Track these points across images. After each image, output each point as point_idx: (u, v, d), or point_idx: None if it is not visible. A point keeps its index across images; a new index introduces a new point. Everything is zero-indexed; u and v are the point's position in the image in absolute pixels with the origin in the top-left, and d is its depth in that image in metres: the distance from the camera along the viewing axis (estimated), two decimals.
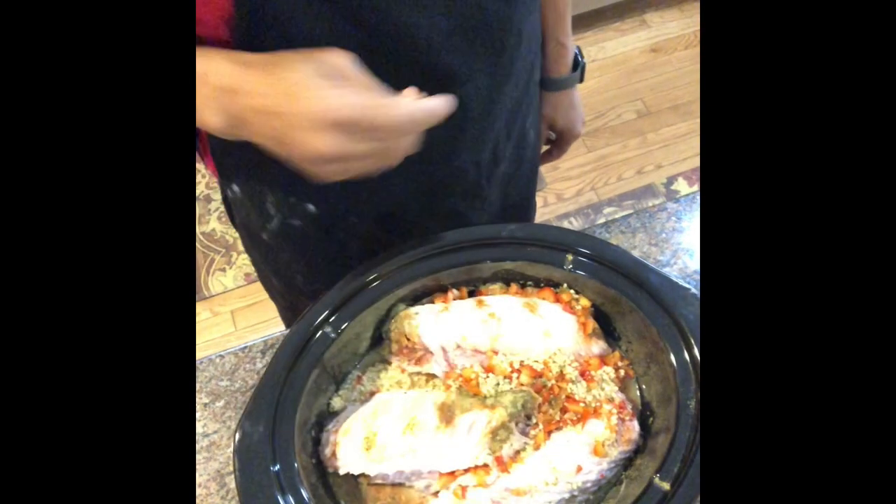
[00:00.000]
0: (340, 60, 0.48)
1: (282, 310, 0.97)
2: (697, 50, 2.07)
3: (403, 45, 0.56)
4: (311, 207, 0.71)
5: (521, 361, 0.59)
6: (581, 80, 0.87)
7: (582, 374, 0.59)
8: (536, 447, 0.55)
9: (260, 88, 0.48)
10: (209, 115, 0.49)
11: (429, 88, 0.50)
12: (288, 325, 0.95)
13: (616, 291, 0.61)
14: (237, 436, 0.54)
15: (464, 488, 0.54)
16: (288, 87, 0.47)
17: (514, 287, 0.65)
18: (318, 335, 0.59)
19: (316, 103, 0.46)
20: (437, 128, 0.50)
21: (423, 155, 0.55)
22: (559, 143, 0.93)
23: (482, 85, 0.64)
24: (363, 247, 0.76)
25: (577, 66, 0.85)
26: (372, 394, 0.62)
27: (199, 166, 1.90)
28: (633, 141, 1.92)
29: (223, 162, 0.69)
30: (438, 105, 0.48)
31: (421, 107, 0.48)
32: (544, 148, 0.95)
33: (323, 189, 0.58)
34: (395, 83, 0.50)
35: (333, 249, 0.77)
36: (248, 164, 0.67)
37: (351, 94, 0.47)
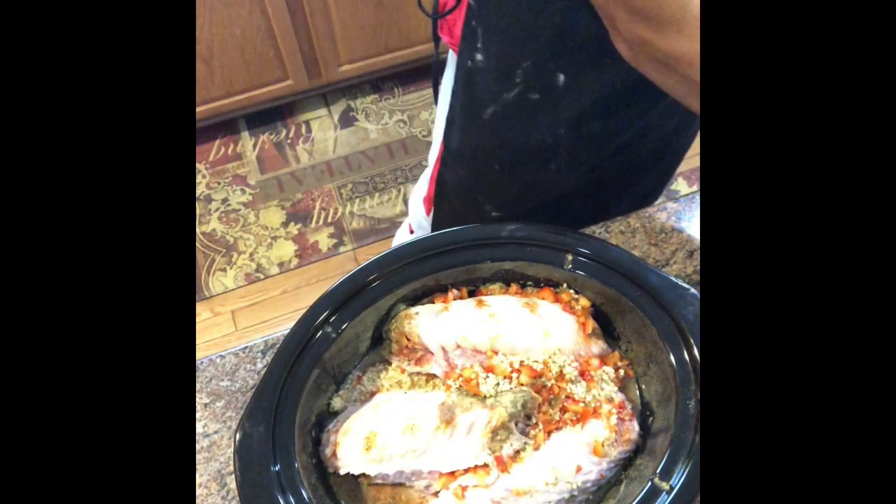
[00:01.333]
0: None
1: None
2: None
3: None
4: (560, 77, 0.70)
5: (521, 361, 0.59)
6: None
7: (582, 374, 0.59)
8: (536, 447, 0.55)
9: None
10: None
11: None
12: None
13: (616, 291, 0.61)
14: (237, 436, 0.54)
15: (464, 488, 0.54)
16: None
17: (514, 287, 0.65)
18: (318, 335, 0.59)
19: None
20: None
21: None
22: None
23: None
24: (568, 157, 0.77)
25: None
26: (372, 394, 0.62)
27: (199, 167, 1.90)
28: None
29: (482, 25, 0.69)
30: None
31: None
32: None
33: (576, 61, 0.66)
34: None
35: (543, 151, 0.77)
36: (511, 27, 0.68)
37: None
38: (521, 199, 0.85)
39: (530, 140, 0.77)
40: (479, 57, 0.73)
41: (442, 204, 0.94)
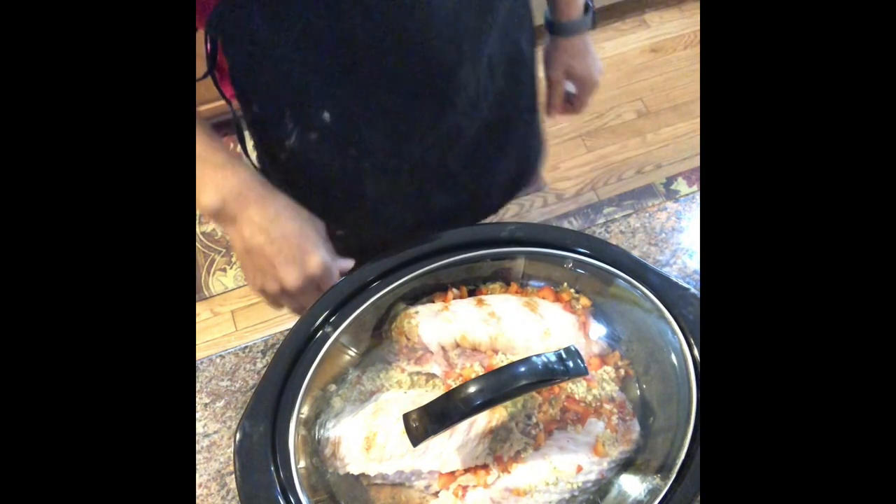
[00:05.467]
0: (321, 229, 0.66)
1: None
2: (697, 50, 2.07)
3: None
4: (326, 115, 0.71)
5: None
6: (593, 27, 0.89)
7: None
8: (536, 447, 0.55)
9: (263, 211, 0.62)
10: (209, 194, 0.61)
11: None
12: None
13: (616, 291, 0.61)
14: (237, 436, 0.54)
15: (464, 488, 0.54)
16: (288, 225, 0.63)
17: (514, 286, 0.65)
18: (318, 335, 0.59)
19: (312, 249, 0.63)
20: (440, 43, 0.64)
21: (429, 69, 0.67)
22: (580, 94, 0.95)
23: None
24: (376, 169, 0.78)
25: (587, 9, 0.87)
26: (372, 394, 0.62)
27: None
28: (632, 141, 1.92)
29: (246, 82, 0.70)
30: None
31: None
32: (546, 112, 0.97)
33: (336, 96, 0.69)
34: None
35: (349, 171, 0.78)
36: (270, 81, 0.69)
37: (326, 256, 0.64)
38: (355, 222, 0.86)
39: (329, 174, 0.79)
40: (255, 109, 0.74)
41: None
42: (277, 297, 0.67)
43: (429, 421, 0.49)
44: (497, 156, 0.89)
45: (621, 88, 2.02)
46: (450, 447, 0.55)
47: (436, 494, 0.56)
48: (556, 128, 1.92)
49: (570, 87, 0.94)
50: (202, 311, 1.70)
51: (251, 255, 0.64)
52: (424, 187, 0.84)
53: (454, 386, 0.59)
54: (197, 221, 1.82)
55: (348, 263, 0.67)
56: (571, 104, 0.97)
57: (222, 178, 0.61)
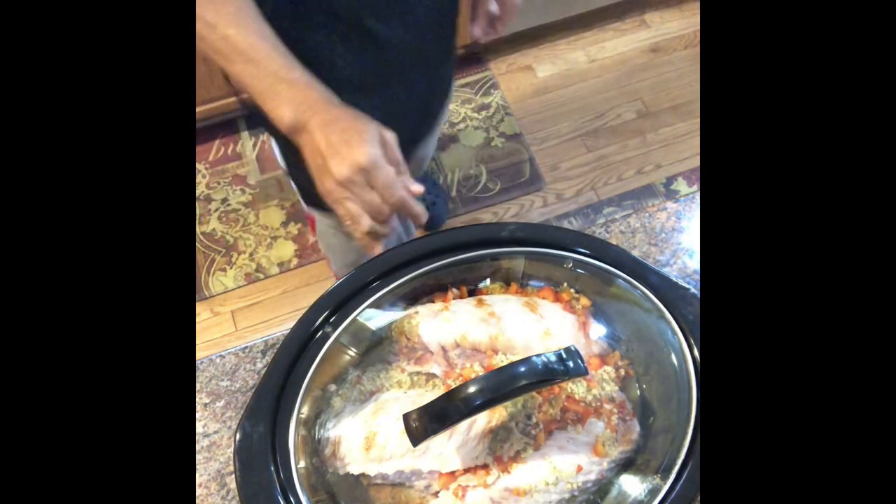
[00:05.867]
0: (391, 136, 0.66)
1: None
2: (697, 50, 2.07)
3: None
4: None
5: None
6: None
7: None
8: (536, 447, 0.55)
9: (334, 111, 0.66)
10: (284, 109, 0.65)
11: None
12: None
13: (616, 291, 0.61)
14: (237, 436, 0.54)
15: (464, 488, 0.54)
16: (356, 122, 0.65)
17: (514, 286, 0.65)
18: (318, 335, 0.59)
19: (360, 142, 0.64)
20: None
21: None
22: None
23: None
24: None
25: None
26: (372, 394, 0.62)
27: (199, 166, 1.90)
28: (632, 141, 1.92)
29: None
30: (417, 209, 0.65)
31: (406, 199, 0.64)
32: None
33: None
34: None
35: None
36: None
37: (376, 150, 0.64)
38: None
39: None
40: None
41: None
42: (337, 197, 0.67)
43: (429, 421, 0.49)
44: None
45: (621, 88, 2.02)
46: (450, 447, 0.55)
47: (436, 494, 0.55)
48: (556, 128, 1.92)
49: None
50: (202, 311, 1.69)
51: (314, 157, 0.67)
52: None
53: (454, 386, 0.59)
54: (197, 221, 1.82)
55: (418, 187, 0.67)
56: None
57: (295, 93, 0.66)
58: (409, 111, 0.94)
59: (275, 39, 0.67)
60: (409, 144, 1.01)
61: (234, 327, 1.68)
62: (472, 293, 0.66)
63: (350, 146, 0.64)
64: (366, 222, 0.65)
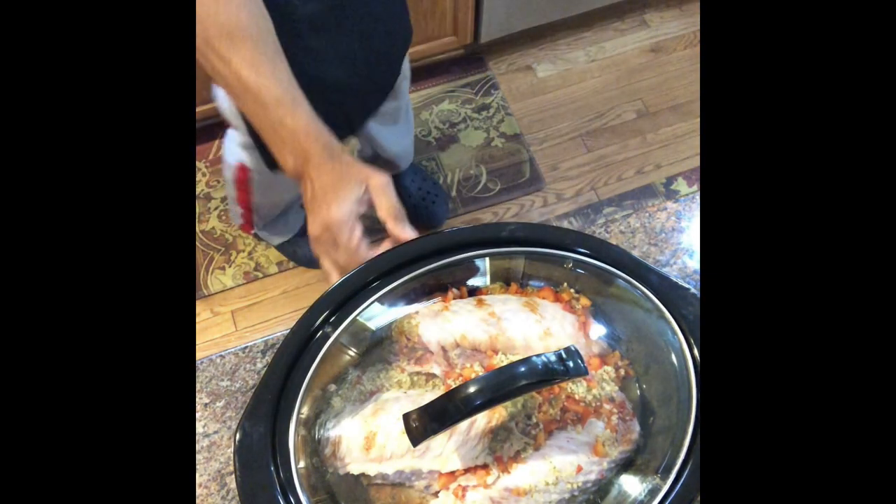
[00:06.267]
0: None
1: None
2: (697, 50, 2.07)
3: None
4: None
5: None
6: None
7: None
8: (536, 447, 0.55)
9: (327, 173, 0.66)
10: (287, 156, 0.67)
11: None
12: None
13: (616, 291, 0.61)
14: (237, 436, 0.54)
15: (464, 488, 0.54)
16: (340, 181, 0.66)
17: (514, 286, 0.65)
18: (318, 335, 0.59)
19: (334, 201, 0.65)
20: None
21: None
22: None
23: None
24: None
25: None
26: (372, 394, 0.61)
27: (199, 165, 1.90)
28: (632, 141, 1.92)
29: None
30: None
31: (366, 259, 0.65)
32: None
33: None
34: None
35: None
36: None
37: (345, 210, 0.66)
38: None
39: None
40: None
41: None
42: (315, 251, 0.69)
43: (429, 421, 0.49)
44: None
45: (621, 88, 2.02)
46: (450, 447, 0.55)
47: (436, 494, 0.56)
48: (555, 128, 1.92)
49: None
50: (202, 310, 1.70)
51: (306, 208, 0.69)
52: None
53: (454, 386, 0.59)
54: (197, 220, 1.82)
55: (409, 234, 0.68)
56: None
57: (295, 144, 0.66)
58: (369, 55, 0.94)
59: (287, 80, 0.67)
60: (374, 95, 1.05)
61: (234, 327, 1.68)
62: (472, 293, 0.66)
63: (322, 204, 0.65)
64: (334, 279, 0.66)
